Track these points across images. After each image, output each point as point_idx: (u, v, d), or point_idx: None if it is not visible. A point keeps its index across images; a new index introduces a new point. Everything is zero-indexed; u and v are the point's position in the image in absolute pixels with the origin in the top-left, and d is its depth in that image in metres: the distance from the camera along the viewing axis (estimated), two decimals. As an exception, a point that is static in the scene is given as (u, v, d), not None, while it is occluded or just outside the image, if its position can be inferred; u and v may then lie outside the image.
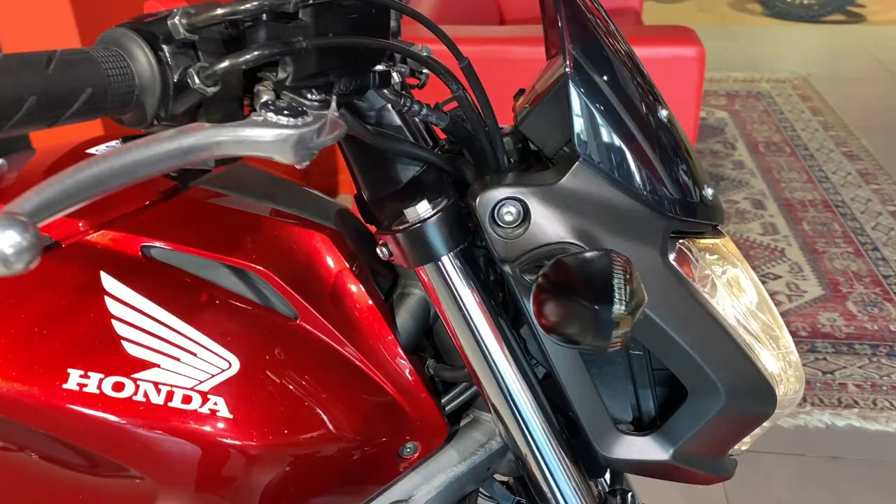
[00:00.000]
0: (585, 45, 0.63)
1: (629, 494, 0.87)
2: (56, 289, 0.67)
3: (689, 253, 0.68)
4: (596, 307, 0.54)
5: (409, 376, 0.76)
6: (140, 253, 0.70)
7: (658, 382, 0.73)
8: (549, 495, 0.74)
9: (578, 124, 0.61)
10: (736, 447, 0.76)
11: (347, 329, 0.74)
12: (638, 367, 0.72)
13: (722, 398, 0.67)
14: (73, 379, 0.63)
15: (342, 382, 0.73)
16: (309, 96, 0.56)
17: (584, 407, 0.69)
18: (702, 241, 0.69)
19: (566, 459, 0.73)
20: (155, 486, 0.68)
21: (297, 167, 0.50)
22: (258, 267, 0.71)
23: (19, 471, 0.71)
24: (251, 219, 0.76)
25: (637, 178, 0.63)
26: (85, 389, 0.63)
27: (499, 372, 0.71)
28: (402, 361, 0.76)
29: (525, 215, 0.62)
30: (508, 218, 0.63)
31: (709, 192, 0.68)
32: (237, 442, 0.66)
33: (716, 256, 0.70)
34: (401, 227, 0.67)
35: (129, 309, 0.66)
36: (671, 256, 0.65)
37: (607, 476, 0.92)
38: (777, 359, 0.71)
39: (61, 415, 0.64)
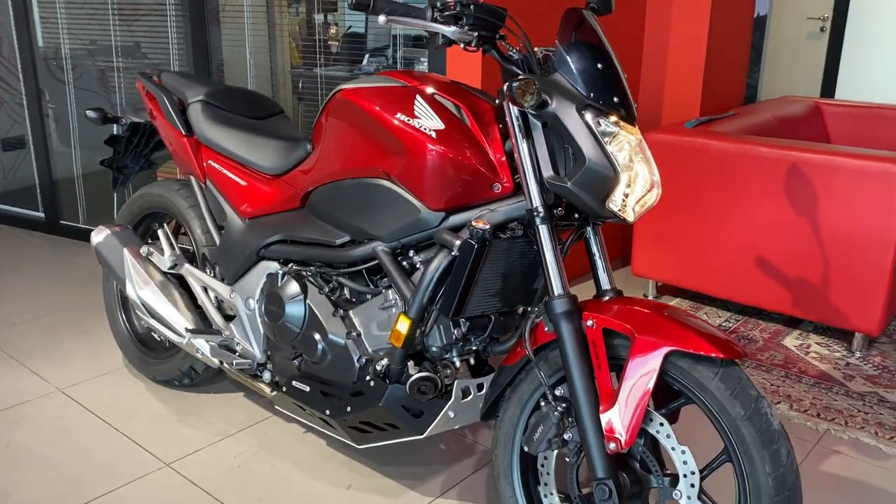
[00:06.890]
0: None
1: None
2: None
3: (603, 118, 1.48)
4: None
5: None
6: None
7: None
8: None
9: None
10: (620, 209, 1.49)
11: None
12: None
13: (585, 165, 1.48)
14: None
15: None
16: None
17: None
18: (612, 117, 1.48)
19: None
20: None
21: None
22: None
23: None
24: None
25: (581, 83, 1.48)
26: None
27: None
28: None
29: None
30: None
31: (615, 99, 1.49)
32: None
33: (638, 140, 1.49)
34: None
35: None
36: (604, 120, 1.47)
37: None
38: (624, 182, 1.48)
39: None
